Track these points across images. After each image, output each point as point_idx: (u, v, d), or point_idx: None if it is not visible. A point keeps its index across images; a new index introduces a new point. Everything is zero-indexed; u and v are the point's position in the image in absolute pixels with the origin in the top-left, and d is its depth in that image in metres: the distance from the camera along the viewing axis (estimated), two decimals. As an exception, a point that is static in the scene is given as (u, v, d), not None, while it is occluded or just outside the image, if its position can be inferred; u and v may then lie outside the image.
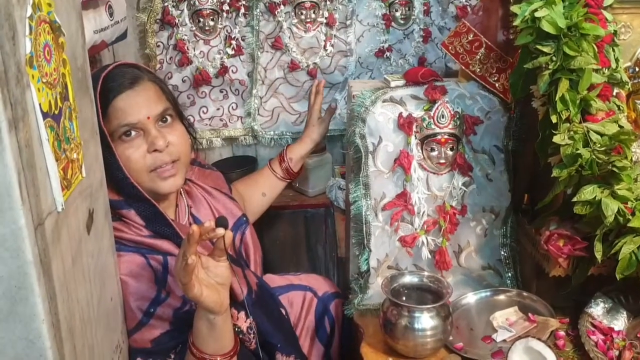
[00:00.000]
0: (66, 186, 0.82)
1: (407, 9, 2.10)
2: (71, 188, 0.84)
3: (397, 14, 2.10)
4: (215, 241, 1.04)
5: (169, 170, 1.22)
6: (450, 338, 1.26)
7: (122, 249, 1.15)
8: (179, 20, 1.99)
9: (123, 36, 1.69)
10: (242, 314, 1.22)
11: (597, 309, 1.27)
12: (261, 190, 1.68)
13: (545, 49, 1.17)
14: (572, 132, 1.16)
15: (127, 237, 1.18)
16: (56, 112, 0.79)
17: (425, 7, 2.11)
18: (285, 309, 1.42)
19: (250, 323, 1.22)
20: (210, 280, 1.05)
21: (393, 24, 2.11)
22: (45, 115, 0.75)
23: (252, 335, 1.22)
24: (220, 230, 1.02)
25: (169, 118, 1.25)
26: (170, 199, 1.31)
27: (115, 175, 1.16)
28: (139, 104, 1.19)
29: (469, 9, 2.08)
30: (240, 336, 1.20)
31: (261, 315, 1.26)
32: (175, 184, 1.25)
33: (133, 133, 1.19)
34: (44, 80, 0.76)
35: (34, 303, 0.74)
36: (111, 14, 1.55)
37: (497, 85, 1.40)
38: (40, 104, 0.74)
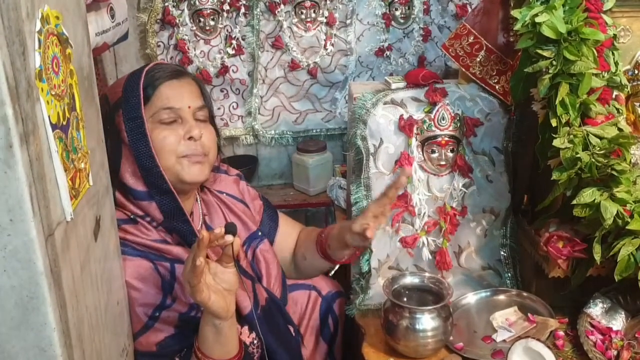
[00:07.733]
0: (74, 195, 0.83)
1: (406, 7, 2.10)
2: (79, 197, 0.85)
3: (397, 13, 2.10)
4: (224, 248, 1.06)
5: (199, 157, 1.24)
6: (451, 338, 1.28)
7: (131, 252, 1.16)
8: (179, 20, 1.99)
9: (124, 37, 1.69)
10: (246, 328, 1.22)
11: (596, 309, 1.29)
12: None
13: (546, 54, 1.18)
14: (571, 136, 1.18)
15: (138, 240, 1.18)
16: (64, 123, 0.80)
17: (425, 6, 2.12)
18: (296, 327, 1.40)
19: (253, 338, 1.23)
20: (218, 285, 1.06)
21: (393, 23, 2.11)
22: (54, 127, 0.76)
23: (255, 350, 1.23)
24: (229, 237, 1.03)
25: (203, 117, 1.28)
26: (188, 201, 1.30)
27: (145, 164, 1.18)
28: (182, 94, 1.24)
29: (468, 8, 2.08)
30: (245, 348, 1.21)
31: (267, 331, 1.26)
32: (202, 173, 1.25)
33: (172, 120, 1.22)
34: (53, 93, 0.76)
35: (45, 312, 0.75)
36: (113, 16, 1.55)
37: (497, 87, 1.41)
38: (49, 116, 0.74)
